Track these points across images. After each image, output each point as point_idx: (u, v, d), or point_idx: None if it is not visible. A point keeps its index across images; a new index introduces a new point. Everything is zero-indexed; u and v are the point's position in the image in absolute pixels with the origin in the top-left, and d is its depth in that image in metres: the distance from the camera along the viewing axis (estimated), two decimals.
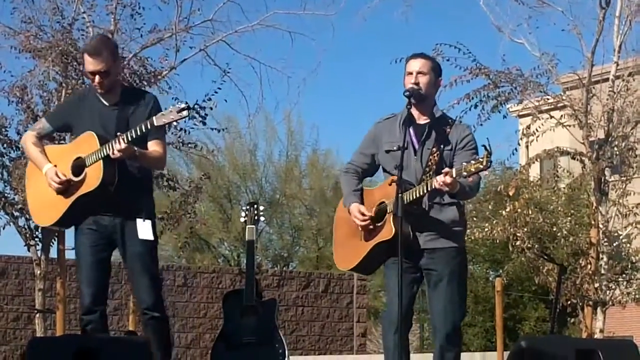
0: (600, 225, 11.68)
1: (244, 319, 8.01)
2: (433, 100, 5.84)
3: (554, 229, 12.44)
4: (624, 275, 12.66)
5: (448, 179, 5.34)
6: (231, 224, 28.72)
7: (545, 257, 12.28)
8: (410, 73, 5.71)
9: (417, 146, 5.68)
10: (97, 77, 5.81)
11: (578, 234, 12.58)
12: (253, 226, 8.44)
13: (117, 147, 5.61)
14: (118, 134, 5.69)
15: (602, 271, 11.71)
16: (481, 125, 11.37)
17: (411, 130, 5.67)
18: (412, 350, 20.93)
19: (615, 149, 11.68)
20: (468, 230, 12.29)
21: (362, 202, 5.79)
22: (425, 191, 5.50)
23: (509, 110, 12.83)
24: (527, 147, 12.69)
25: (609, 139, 11.64)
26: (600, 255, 11.70)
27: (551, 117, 12.09)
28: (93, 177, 5.73)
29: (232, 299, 8.38)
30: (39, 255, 10.56)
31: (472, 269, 22.53)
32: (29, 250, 10.69)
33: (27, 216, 10.07)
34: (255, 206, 8.55)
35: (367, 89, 50.61)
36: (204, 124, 11.04)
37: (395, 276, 5.37)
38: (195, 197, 11.63)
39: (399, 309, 5.30)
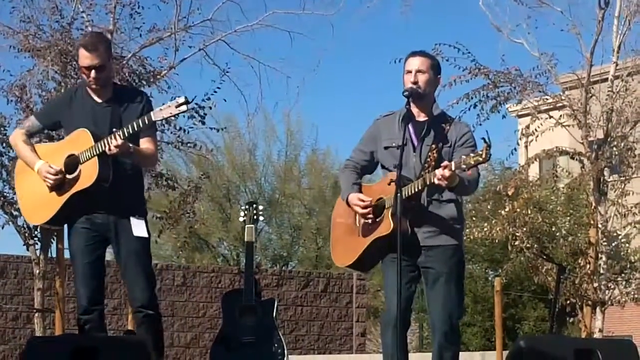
0: (599, 225, 11.69)
1: (243, 318, 8.02)
2: (432, 97, 5.84)
3: (553, 229, 12.46)
4: (622, 274, 12.67)
5: (447, 172, 5.34)
6: (230, 224, 28.69)
7: (545, 256, 12.29)
8: (410, 71, 5.71)
9: (416, 143, 5.69)
10: (93, 72, 5.80)
11: (577, 233, 12.61)
12: (252, 226, 8.45)
13: (114, 143, 5.60)
14: (114, 130, 5.68)
15: (601, 271, 11.72)
16: (480, 125, 11.40)
17: (410, 127, 5.68)
18: (411, 349, 20.96)
19: (614, 149, 11.69)
20: (467, 230, 12.32)
21: None
22: (423, 186, 5.50)
23: (508, 110, 12.83)
24: (526, 147, 12.70)
25: (608, 139, 11.65)
26: (599, 255, 11.71)
27: (550, 117, 12.10)
28: (88, 174, 5.71)
29: (232, 298, 8.38)
30: (38, 254, 10.56)
31: (471, 269, 22.52)
32: (27, 250, 10.70)
33: None
34: (255, 206, 8.56)
35: (367, 89, 50.64)
36: (203, 123, 11.05)
37: (393, 274, 5.37)
38: (195, 196, 11.63)
39: (397, 307, 5.30)
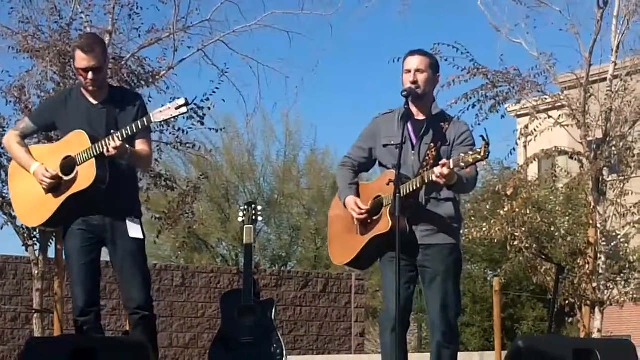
0: (598, 225, 11.69)
1: (242, 319, 8.02)
2: (432, 96, 5.84)
3: (552, 229, 12.46)
4: (621, 274, 12.67)
5: (445, 170, 5.34)
6: (229, 224, 28.69)
7: (543, 256, 12.29)
8: (409, 71, 5.71)
9: (415, 142, 5.69)
10: (90, 74, 5.78)
11: (576, 233, 12.60)
12: (251, 226, 8.45)
13: (113, 144, 5.59)
14: (112, 131, 5.67)
15: (600, 271, 11.73)
16: (479, 124, 11.41)
17: (409, 125, 5.68)
18: (410, 350, 20.95)
19: (613, 148, 11.70)
20: (466, 230, 12.34)
21: (357, 196, 5.79)
22: (422, 184, 5.50)
23: (507, 110, 12.84)
24: (525, 146, 12.70)
25: (607, 139, 11.66)
26: (598, 255, 11.71)
27: (549, 116, 12.11)
28: (85, 175, 5.70)
29: (231, 299, 8.38)
30: (37, 255, 10.56)
31: (470, 269, 22.52)
32: (26, 250, 10.70)
33: None
34: (254, 206, 8.56)
35: (366, 89, 50.63)
36: (202, 123, 11.06)
37: (392, 274, 5.38)
38: (194, 197, 11.64)
39: (396, 307, 5.30)
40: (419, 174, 5.56)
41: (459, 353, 5.74)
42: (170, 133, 10.95)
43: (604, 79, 12.02)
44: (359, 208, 5.69)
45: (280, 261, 29.72)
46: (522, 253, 12.18)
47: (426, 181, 5.48)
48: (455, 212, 5.70)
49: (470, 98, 11.54)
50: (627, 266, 12.67)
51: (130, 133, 5.65)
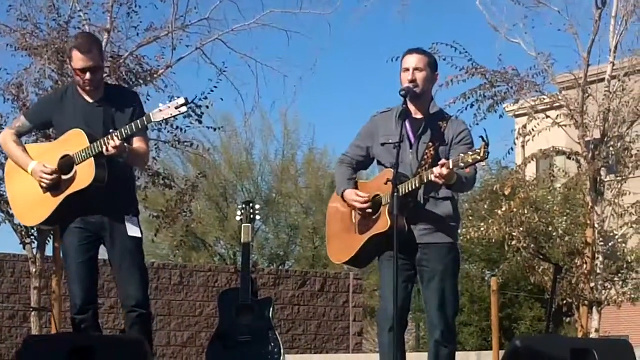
0: (596, 225, 11.69)
1: (239, 317, 8.02)
2: (430, 95, 5.84)
3: (550, 229, 12.46)
4: (619, 274, 12.68)
5: (444, 171, 5.34)
6: (227, 223, 28.68)
7: (541, 256, 12.29)
8: (407, 69, 5.70)
9: (412, 140, 5.69)
10: (87, 74, 5.77)
11: (573, 233, 12.59)
12: (249, 225, 8.45)
13: (112, 143, 5.58)
14: (111, 130, 5.67)
15: (598, 271, 11.73)
16: (477, 124, 11.42)
17: (407, 124, 5.68)
18: (408, 349, 20.94)
19: (611, 148, 11.70)
20: (464, 229, 12.34)
21: None
22: (420, 183, 5.50)
23: (505, 110, 12.85)
24: (522, 146, 12.70)
25: (605, 139, 11.66)
26: (596, 255, 11.71)
27: (547, 116, 12.10)
28: (84, 174, 5.69)
29: (228, 297, 8.39)
30: (35, 253, 10.56)
31: (467, 268, 22.54)
32: (24, 248, 10.70)
33: None
34: (251, 205, 8.57)
35: (364, 88, 50.63)
36: (200, 122, 11.05)
37: (389, 272, 5.37)
38: (191, 195, 11.64)
39: (394, 306, 5.30)
40: (417, 173, 5.56)
41: (456, 352, 5.75)
42: (168, 131, 10.96)
43: (602, 79, 12.02)
44: (360, 197, 5.69)
45: (278, 260, 29.73)
46: (520, 253, 12.18)
47: (425, 181, 5.48)
48: (453, 211, 5.70)
49: (468, 97, 11.54)
50: (624, 266, 12.68)
51: (129, 132, 5.65)
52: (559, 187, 14.32)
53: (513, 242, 11.96)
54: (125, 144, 5.68)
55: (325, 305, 18.92)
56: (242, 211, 8.51)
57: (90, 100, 5.88)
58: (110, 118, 5.81)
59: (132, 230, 5.82)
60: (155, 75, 10.95)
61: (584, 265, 11.67)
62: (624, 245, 12.60)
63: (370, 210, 5.67)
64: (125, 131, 5.64)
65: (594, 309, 11.76)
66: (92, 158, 5.66)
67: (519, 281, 20.96)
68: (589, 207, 11.74)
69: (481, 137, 5.26)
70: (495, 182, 14.61)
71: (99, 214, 5.80)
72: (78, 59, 5.78)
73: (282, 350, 7.95)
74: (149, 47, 11.18)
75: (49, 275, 10.95)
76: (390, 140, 5.68)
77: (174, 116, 5.70)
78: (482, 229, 12.20)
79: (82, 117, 5.82)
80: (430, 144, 5.65)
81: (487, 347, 18.44)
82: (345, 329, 19.13)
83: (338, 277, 19.19)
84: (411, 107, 5.73)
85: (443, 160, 5.40)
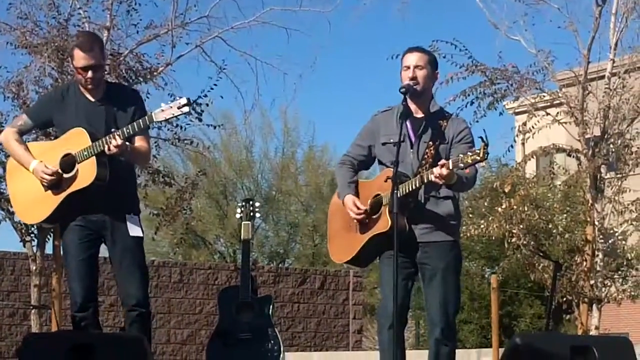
0: (596, 223, 11.69)
1: (239, 315, 8.02)
2: (430, 93, 5.84)
3: (550, 226, 12.46)
4: (619, 272, 12.69)
5: (444, 171, 5.34)
6: (227, 221, 28.68)
7: (541, 254, 12.29)
8: (408, 67, 5.70)
9: (413, 139, 5.68)
10: (89, 72, 5.77)
11: (574, 231, 12.60)
12: (249, 222, 8.45)
13: (114, 143, 5.59)
14: (113, 130, 5.67)
15: (598, 268, 11.73)
16: (477, 122, 11.42)
17: (408, 123, 5.67)
18: (408, 346, 20.94)
19: (611, 146, 11.70)
20: (464, 227, 12.33)
21: (357, 195, 5.78)
22: (421, 184, 5.50)
23: (505, 108, 12.85)
24: (523, 144, 12.71)
25: (605, 136, 11.65)
26: (596, 253, 11.71)
27: (547, 114, 12.11)
28: (86, 173, 5.69)
29: (228, 295, 8.39)
30: (35, 251, 10.57)
31: (467, 266, 22.52)
32: (24, 246, 10.70)
33: None
34: (251, 202, 8.57)
35: (364, 86, 50.62)
36: (200, 120, 11.07)
37: (390, 271, 5.36)
38: (191, 193, 11.64)
39: (394, 304, 5.30)
40: (418, 172, 5.56)
41: (456, 350, 5.75)
42: (168, 129, 10.96)
43: (602, 77, 12.02)
44: (358, 208, 5.69)
45: (278, 258, 29.73)
46: (520, 250, 12.18)
47: (425, 181, 5.48)
48: (454, 210, 5.70)
49: (469, 95, 11.54)
50: (624, 263, 12.69)
51: (132, 132, 5.66)
52: (559, 185, 14.32)
53: (513, 240, 11.96)
54: (127, 143, 5.69)
55: (325, 303, 18.92)
56: (242, 209, 8.51)
57: (92, 99, 5.88)
58: (112, 117, 5.82)
59: (133, 229, 5.82)
60: (155, 73, 10.95)
61: (584, 263, 11.67)
62: (624, 242, 12.60)
63: (365, 217, 5.67)
64: (128, 131, 5.64)
65: (594, 306, 11.76)
66: (94, 157, 5.66)
67: (519, 279, 20.96)
68: (589, 204, 11.74)
69: (481, 137, 5.27)
70: (496, 180, 14.62)
71: (100, 212, 5.80)
72: (80, 58, 5.78)
73: (282, 348, 7.96)
74: (149, 45, 11.20)
75: (49, 273, 10.95)
76: (391, 140, 5.67)
77: (176, 116, 5.72)
78: (482, 226, 12.20)
79: (84, 116, 5.83)
80: (431, 143, 5.65)
81: (487, 344, 18.44)
82: (345, 326, 19.13)
83: (338, 275, 19.19)
84: (412, 106, 5.73)
85: (443, 161, 5.40)
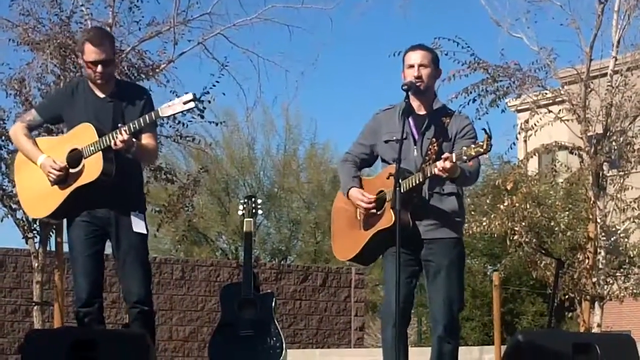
0: (598, 220, 11.68)
1: (242, 312, 8.03)
2: (433, 91, 5.85)
3: (552, 224, 12.45)
4: (621, 270, 12.66)
5: (447, 164, 5.34)
6: (229, 217, 28.68)
7: (543, 251, 12.29)
8: (412, 66, 5.70)
9: (416, 136, 5.69)
10: (99, 67, 5.79)
11: (576, 228, 12.59)
12: (251, 219, 8.47)
13: (120, 138, 5.61)
14: (119, 125, 5.69)
15: (600, 266, 11.72)
16: (479, 119, 11.40)
17: (411, 120, 5.68)
18: (410, 344, 20.94)
19: (614, 143, 11.69)
20: (466, 224, 12.30)
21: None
22: (424, 178, 5.50)
23: (507, 105, 12.83)
24: (525, 141, 12.69)
25: (607, 134, 11.65)
26: (598, 250, 11.71)
27: (549, 111, 12.10)
28: (92, 168, 5.71)
29: (230, 292, 8.40)
30: (37, 247, 10.57)
31: (469, 263, 22.52)
32: (26, 243, 10.70)
33: None
34: (253, 199, 8.58)
35: (366, 83, 50.59)
36: (202, 117, 11.04)
37: (393, 268, 5.35)
38: (193, 190, 11.64)
39: (396, 301, 5.29)
40: (421, 168, 5.56)
41: (459, 346, 5.74)
42: (170, 126, 10.95)
43: (605, 74, 12.01)
44: (365, 197, 5.68)
45: (280, 255, 29.72)
46: (522, 248, 12.17)
47: (428, 175, 5.48)
48: (458, 207, 5.70)
49: (471, 92, 11.53)
50: (626, 261, 12.66)
51: (138, 127, 5.68)
52: (562, 182, 14.29)
53: (515, 237, 11.96)
54: (134, 139, 5.70)
55: (327, 300, 18.92)
56: (244, 206, 8.52)
57: (102, 96, 5.90)
58: (120, 113, 5.84)
59: (138, 227, 5.84)
60: (157, 70, 10.94)
61: (586, 260, 11.66)
62: (626, 240, 12.59)
63: (374, 210, 5.67)
64: (134, 126, 5.66)
65: (596, 304, 11.76)
66: (101, 152, 5.69)
67: (521, 276, 20.95)
68: (592, 202, 11.73)
69: (484, 129, 5.28)
70: (498, 177, 14.63)
71: (106, 208, 5.81)
72: (90, 52, 5.80)
73: (284, 345, 7.97)
74: (151, 42, 11.19)
75: (51, 270, 10.95)
76: (394, 137, 5.68)
77: (182, 112, 5.75)
78: (484, 223, 12.19)
79: (92, 112, 5.85)
80: (434, 139, 5.65)
81: (489, 342, 18.44)
82: (347, 324, 19.13)
83: (340, 272, 19.19)
84: (415, 104, 5.73)
85: (446, 154, 5.40)
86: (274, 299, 8.24)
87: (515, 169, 12.91)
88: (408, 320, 5.73)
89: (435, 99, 5.83)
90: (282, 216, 30.40)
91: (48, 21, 10.56)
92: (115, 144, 5.63)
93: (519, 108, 16.12)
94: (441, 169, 5.37)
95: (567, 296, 12.06)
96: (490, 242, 21.40)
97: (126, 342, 5.32)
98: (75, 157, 5.78)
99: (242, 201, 8.64)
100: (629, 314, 24.58)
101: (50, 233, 10.53)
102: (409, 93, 5.62)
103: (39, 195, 5.92)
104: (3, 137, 10.30)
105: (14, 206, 10.23)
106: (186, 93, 5.70)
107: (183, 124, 11.03)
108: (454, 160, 5.35)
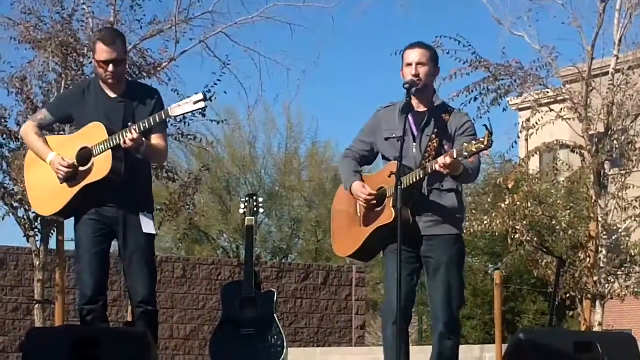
0: (600, 219, 11.68)
1: (243, 310, 8.03)
2: (432, 88, 5.85)
3: (553, 222, 12.44)
4: (622, 268, 12.65)
5: (448, 160, 5.35)
6: (230, 216, 28.70)
7: (545, 250, 12.28)
8: (410, 64, 5.71)
9: (416, 134, 5.70)
10: (111, 66, 5.81)
11: (577, 227, 12.58)
12: (252, 218, 8.46)
13: (130, 136, 5.63)
14: (129, 124, 5.70)
15: (601, 264, 11.72)
16: (481, 118, 11.38)
17: (410, 118, 5.68)
18: (411, 342, 20.94)
19: (615, 142, 11.68)
20: (467, 223, 12.32)
21: None
22: (424, 175, 5.50)
23: (509, 104, 12.83)
24: (526, 140, 12.69)
25: (609, 133, 11.64)
26: (600, 249, 11.71)
27: (551, 110, 12.09)
28: (101, 166, 5.74)
29: (232, 290, 8.40)
30: (38, 246, 10.57)
31: (470, 262, 22.51)
32: (28, 241, 10.71)
33: (27, 207, 10.08)
34: (255, 198, 8.58)
35: (367, 81, 50.60)
36: (204, 115, 11.01)
37: (394, 266, 5.34)
38: (195, 188, 11.65)
39: (397, 300, 5.29)
40: (421, 165, 5.57)
41: (459, 345, 5.74)
42: (171, 125, 10.94)
43: (606, 73, 12.01)
44: (366, 190, 5.68)
45: (281, 253, 29.73)
46: (523, 246, 12.17)
47: (429, 172, 5.49)
48: (458, 203, 5.71)
49: (472, 91, 11.53)
50: (628, 260, 12.64)
51: (147, 126, 5.70)
52: (563, 181, 14.28)
53: (517, 236, 11.95)
54: (144, 139, 5.70)
55: (328, 299, 18.93)
56: (246, 204, 8.52)
57: (113, 96, 5.92)
58: (131, 114, 5.86)
59: (148, 228, 5.86)
60: (159, 69, 10.95)
61: (588, 259, 11.66)
62: (627, 238, 12.58)
63: (375, 202, 5.68)
64: (144, 124, 5.68)
65: (598, 302, 11.76)
66: (110, 150, 5.71)
67: (523, 275, 20.93)
68: (593, 200, 11.73)
69: (485, 126, 5.28)
70: (499, 176, 14.63)
71: (114, 207, 5.83)
72: (102, 51, 5.82)
73: (285, 343, 7.97)
74: (153, 41, 11.20)
75: (52, 268, 10.96)
76: (394, 135, 5.69)
77: (192, 112, 5.76)
78: (485, 222, 12.19)
79: (103, 111, 5.87)
80: (433, 136, 5.66)
81: (490, 340, 18.42)
82: (348, 322, 19.14)
83: (341, 271, 19.19)
84: (414, 101, 5.74)
85: (448, 150, 5.41)
86: (275, 298, 8.24)
87: (516, 167, 12.92)
88: (409, 318, 5.73)
89: (434, 96, 5.84)
90: (283, 215, 30.42)
91: (50, 19, 10.56)
92: (124, 143, 5.65)
93: (520, 107, 16.13)
94: (442, 165, 5.38)
95: (568, 295, 12.05)
96: (491, 240, 21.38)
97: (128, 340, 5.32)
98: (84, 155, 5.81)
99: (243, 200, 8.63)
100: (630, 312, 24.60)
101: (52, 231, 10.54)
102: (410, 91, 5.62)
103: (48, 193, 5.95)
104: (4, 136, 10.31)
105: (15, 205, 10.24)
106: (196, 93, 5.71)
107: (185, 123, 11.05)
108: (455, 157, 5.35)
